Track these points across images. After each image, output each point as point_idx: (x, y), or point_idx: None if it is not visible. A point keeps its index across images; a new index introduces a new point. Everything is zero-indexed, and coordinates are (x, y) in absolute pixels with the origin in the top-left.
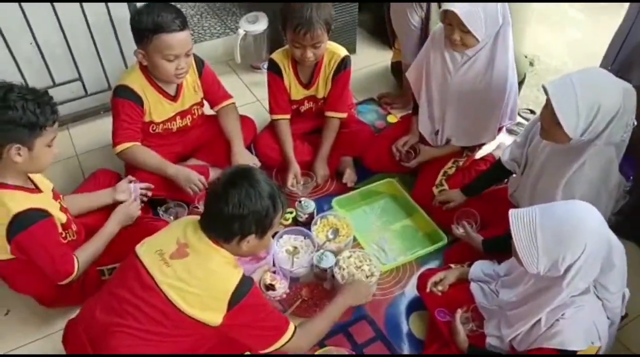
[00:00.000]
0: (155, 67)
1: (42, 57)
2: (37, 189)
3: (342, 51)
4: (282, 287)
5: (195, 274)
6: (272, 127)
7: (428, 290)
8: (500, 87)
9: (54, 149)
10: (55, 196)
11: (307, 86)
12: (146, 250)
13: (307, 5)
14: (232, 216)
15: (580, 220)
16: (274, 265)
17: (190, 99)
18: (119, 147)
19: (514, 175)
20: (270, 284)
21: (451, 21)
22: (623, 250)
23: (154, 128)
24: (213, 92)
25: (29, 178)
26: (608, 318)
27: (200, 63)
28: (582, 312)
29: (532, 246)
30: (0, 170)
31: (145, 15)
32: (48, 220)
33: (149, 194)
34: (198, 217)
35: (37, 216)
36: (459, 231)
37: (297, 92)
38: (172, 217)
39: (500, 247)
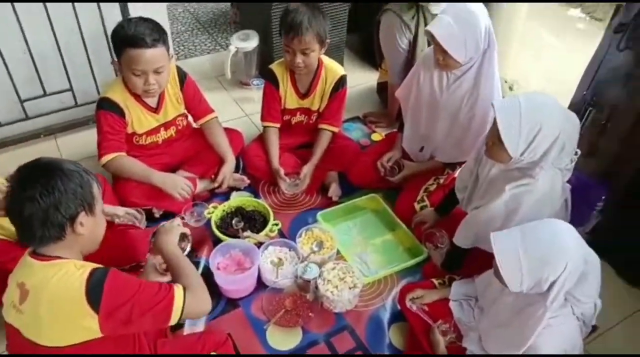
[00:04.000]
0: (127, 80)
1: (35, 66)
2: None
3: (341, 70)
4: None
5: (43, 306)
6: (260, 139)
7: (408, 306)
8: (484, 109)
9: None
10: None
11: (303, 96)
12: (6, 308)
13: (301, 12)
14: (46, 209)
15: (560, 240)
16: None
17: (173, 110)
18: (104, 158)
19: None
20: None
21: (436, 41)
22: (598, 262)
23: (137, 139)
24: (194, 106)
25: None
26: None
27: (182, 75)
28: (557, 324)
29: (516, 269)
30: None
31: (122, 28)
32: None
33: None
34: (26, 253)
35: None
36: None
37: (291, 101)
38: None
39: (455, 264)
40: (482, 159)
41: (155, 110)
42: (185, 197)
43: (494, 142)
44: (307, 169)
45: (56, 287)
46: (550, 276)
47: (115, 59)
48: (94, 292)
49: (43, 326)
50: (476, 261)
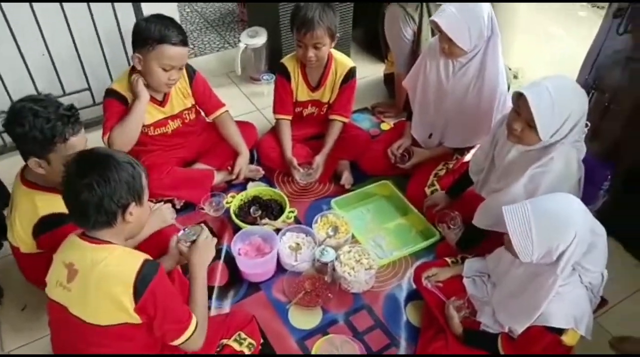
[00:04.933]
0: (149, 74)
1: (54, 67)
2: None
3: (350, 62)
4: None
5: (90, 286)
6: (273, 131)
7: (423, 284)
8: (490, 94)
9: None
10: None
11: (314, 89)
12: (51, 287)
13: (312, 8)
14: (102, 197)
15: (569, 210)
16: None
17: (179, 104)
18: (107, 134)
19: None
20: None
21: (441, 30)
22: (604, 233)
23: (146, 131)
24: (205, 100)
25: None
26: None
27: (191, 72)
28: (566, 292)
29: (527, 239)
30: (34, 174)
31: (153, 24)
32: (70, 225)
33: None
34: (74, 235)
35: (61, 220)
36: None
37: (303, 94)
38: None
39: (471, 243)
40: (499, 142)
41: (161, 103)
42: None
43: (523, 128)
44: (319, 159)
45: (106, 269)
46: (561, 245)
47: (137, 54)
48: (141, 285)
49: (89, 304)
50: (489, 241)
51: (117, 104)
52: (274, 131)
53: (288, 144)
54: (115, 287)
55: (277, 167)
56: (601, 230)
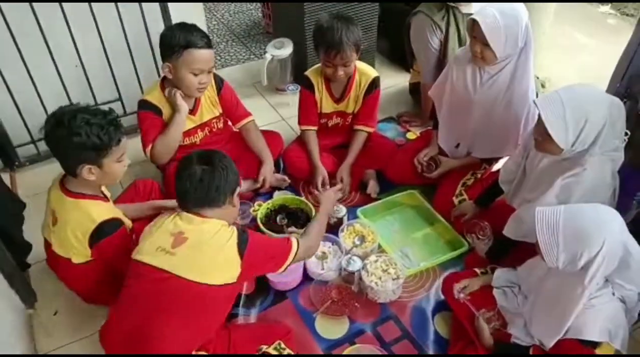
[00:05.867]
0: (180, 80)
1: (87, 78)
2: (107, 198)
3: (373, 72)
4: None
5: (200, 250)
6: (299, 140)
7: (455, 297)
8: (520, 106)
9: (124, 163)
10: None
11: (338, 101)
12: (146, 252)
13: (337, 28)
14: (217, 188)
15: (599, 221)
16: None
17: (208, 113)
18: (149, 146)
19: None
20: None
21: (476, 33)
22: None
23: None
24: (232, 110)
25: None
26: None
27: (219, 81)
28: (600, 304)
29: (553, 242)
30: (78, 184)
31: (177, 32)
32: (123, 228)
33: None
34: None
35: (116, 225)
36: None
37: (327, 105)
38: None
39: (501, 253)
40: (530, 152)
41: (192, 112)
42: None
43: (543, 138)
44: (342, 174)
45: (213, 238)
46: (585, 253)
47: (167, 63)
48: (242, 246)
49: (200, 263)
50: (519, 252)
51: (152, 116)
52: (300, 141)
53: (316, 153)
54: (223, 252)
55: (303, 176)
56: (636, 250)
